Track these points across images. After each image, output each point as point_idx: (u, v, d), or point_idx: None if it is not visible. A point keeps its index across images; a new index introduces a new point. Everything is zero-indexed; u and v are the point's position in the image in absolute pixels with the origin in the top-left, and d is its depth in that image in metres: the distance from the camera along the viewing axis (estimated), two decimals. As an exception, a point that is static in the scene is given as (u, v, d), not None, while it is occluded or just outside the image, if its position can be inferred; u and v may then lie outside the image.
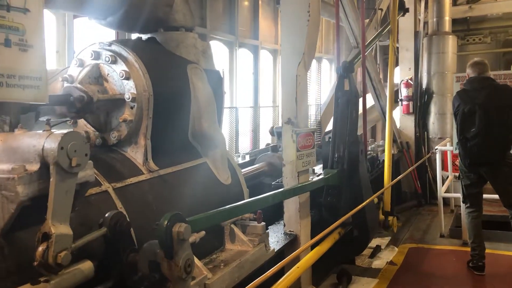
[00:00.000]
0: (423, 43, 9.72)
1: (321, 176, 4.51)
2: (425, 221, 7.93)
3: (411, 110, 9.37)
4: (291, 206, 4.06)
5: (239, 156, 6.70)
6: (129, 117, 2.81)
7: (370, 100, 8.32)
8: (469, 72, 5.29)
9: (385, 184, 5.98)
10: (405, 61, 9.53)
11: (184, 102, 3.19)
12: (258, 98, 8.22)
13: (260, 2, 8.19)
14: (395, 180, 5.98)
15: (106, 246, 2.27)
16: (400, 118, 9.63)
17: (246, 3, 8.15)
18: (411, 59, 9.44)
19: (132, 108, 2.81)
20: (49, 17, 4.33)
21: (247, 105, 8.06)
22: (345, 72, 4.62)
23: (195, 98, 3.26)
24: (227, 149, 3.84)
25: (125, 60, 2.82)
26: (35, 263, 1.88)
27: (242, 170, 5.93)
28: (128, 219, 2.32)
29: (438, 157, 6.93)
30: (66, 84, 2.76)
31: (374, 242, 6.60)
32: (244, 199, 3.64)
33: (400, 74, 9.62)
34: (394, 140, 9.14)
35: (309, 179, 4.37)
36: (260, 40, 8.30)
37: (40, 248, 1.87)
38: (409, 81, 9.39)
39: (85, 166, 2.02)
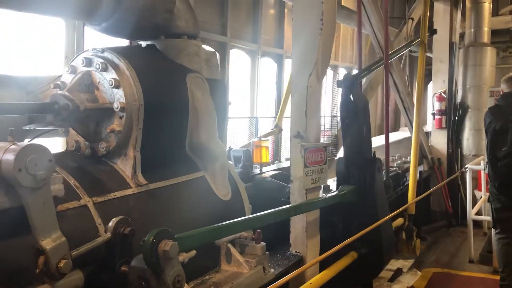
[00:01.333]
0: (459, 55, 9.27)
1: (334, 193, 4.25)
2: (454, 243, 7.47)
3: (443, 125, 8.93)
4: (297, 225, 3.84)
5: (256, 167, 6.52)
6: (117, 128, 2.68)
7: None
8: (504, 88, 4.92)
9: (409, 200, 5.62)
10: (439, 74, 9.11)
11: (181, 112, 3.04)
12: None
13: (286, 10, 8.00)
14: (421, 196, 5.61)
15: (105, 253, 2.26)
16: (432, 133, 9.20)
17: (271, 11, 7.99)
18: (445, 71, 9.02)
19: (121, 118, 2.68)
20: (57, 22, 4.31)
21: (269, 115, 7.87)
22: (347, 87, 4.30)
23: (194, 108, 3.11)
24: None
25: (116, 67, 2.70)
26: (37, 271, 1.92)
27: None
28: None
29: (468, 176, 6.50)
30: (55, 92, 2.66)
31: (395, 264, 6.26)
32: (245, 216, 3.45)
33: (433, 87, 9.20)
34: (424, 156, 8.74)
35: (321, 197, 4.12)
36: (285, 49, 8.11)
37: (41, 258, 1.91)
38: (443, 94, 8.96)
39: (49, 177, 1.91)
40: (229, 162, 3.65)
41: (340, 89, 4.37)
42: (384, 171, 4.91)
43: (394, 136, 10.41)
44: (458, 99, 9.26)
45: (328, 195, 3.95)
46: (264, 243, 3.24)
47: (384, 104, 4.80)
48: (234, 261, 3.13)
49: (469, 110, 9.12)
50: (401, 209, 4.95)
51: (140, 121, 2.72)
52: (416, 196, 5.38)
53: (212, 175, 3.27)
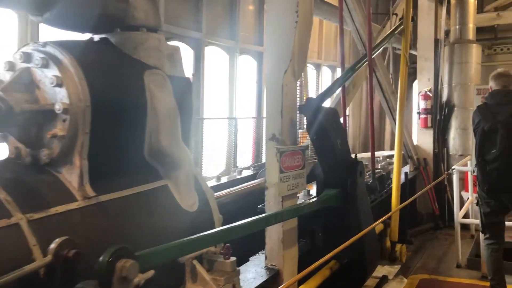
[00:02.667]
0: (444, 52, 9.09)
1: (315, 199, 3.97)
2: (441, 247, 7.27)
3: (429, 124, 8.75)
4: (273, 235, 3.55)
5: (235, 171, 6.23)
6: (60, 132, 2.35)
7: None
8: (492, 85, 4.69)
9: (393, 207, 5.38)
10: (424, 71, 8.93)
11: (137, 114, 2.72)
12: (262, 108, 7.71)
13: (265, 6, 7.71)
14: (404, 204, 5.36)
15: (43, 281, 1.96)
16: (418, 132, 9.01)
17: (250, 7, 7.68)
18: (431, 69, 8.83)
19: (64, 121, 2.35)
20: (10, 15, 3.96)
21: (249, 116, 7.57)
22: (310, 114, 4.01)
23: (153, 109, 2.79)
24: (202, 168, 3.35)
25: (58, 63, 2.37)
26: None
27: (241, 186, 5.46)
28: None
29: (455, 178, 6.29)
30: (-13, 91, 2.32)
31: (381, 271, 6.01)
32: (214, 228, 3.15)
33: (418, 85, 9.02)
34: (410, 157, 8.53)
35: (301, 203, 3.84)
36: (265, 46, 7.81)
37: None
38: (428, 92, 8.78)
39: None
40: (196, 168, 3.32)
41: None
42: (370, 173, 4.65)
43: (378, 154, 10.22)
44: (444, 97, 9.09)
45: (307, 201, 3.67)
46: (235, 258, 2.94)
47: (369, 105, 4.53)
48: (200, 279, 2.82)
49: (455, 108, 8.96)
50: (384, 217, 4.69)
51: (86, 124, 2.40)
52: (401, 202, 5.13)
53: (176, 183, 2.95)
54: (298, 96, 5.22)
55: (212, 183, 5.54)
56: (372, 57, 5.62)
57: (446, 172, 6.80)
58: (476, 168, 4.51)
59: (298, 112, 3.90)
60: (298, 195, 4.55)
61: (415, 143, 8.94)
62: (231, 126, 6.79)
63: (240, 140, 7.10)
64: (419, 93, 8.86)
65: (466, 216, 6.87)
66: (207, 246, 2.77)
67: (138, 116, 2.73)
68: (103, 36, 2.91)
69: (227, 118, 6.78)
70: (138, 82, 2.74)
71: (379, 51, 5.60)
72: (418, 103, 8.87)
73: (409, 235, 7.67)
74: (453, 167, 6.35)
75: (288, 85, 3.54)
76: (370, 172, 6.42)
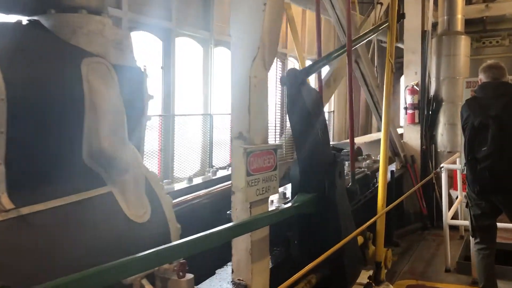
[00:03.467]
0: (432, 44, 8.81)
1: (288, 205, 3.61)
2: (429, 249, 6.98)
3: (416, 120, 8.47)
4: (240, 246, 3.18)
5: (209, 171, 5.85)
6: (-32, 132, 1.95)
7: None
8: (482, 77, 4.38)
9: (378, 210, 5.05)
10: (411, 65, 8.63)
11: (71, 110, 2.34)
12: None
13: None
14: (390, 206, 5.04)
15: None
16: (405, 128, 8.72)
17: (227, -5, 7.29)
18: (418, 62, 8.54)
19: (-27, 118, 1.95)
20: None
21: (226, 112, 7.17)
22: (293, 85, 3.67)
23: (92, 104, 2.40)
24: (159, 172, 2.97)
25: (-34, 49, 1.97)
26: None
27: (213, 188, 5.07)
28: None
29: (444, 177, 5.99)
30: None
31: (365, 275, 5.69)
32: (170, 241, 2.79)
33: (405, 79, 8.72)
34: (396, 154, 8.24)
35: (272, 210, 3.48)
36: (231, 32, 7.42)
37: None
38: (415, 87, 8.48)
39: None
40: (152, 171, 2.94)
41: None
42: (349, 175, 4.30)
43: (365, 138, 9.90)
44: (432, 91, 8.81)
45: (282, 206, 3.31)
46: (191, 276, 2.57)
47: (348, 98, 4.18)
48: (150, 302, 2.45)
49: (443, 103, 8.70)
50: (368, 223, 4.36)
51: (1, 122, 2.01)
52: (387, 202, 4.80)
53: (122, 190, 2.57)
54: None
55: (182, 185, 5.14)
56: (354, 48, 5.29)
57: (434, 171, 6.50)
58: (465, 167, 4.21)
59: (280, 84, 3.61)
60: (273, 199, 4.21)
61: (402, 139, 8.66)
62: (206, 123, 6.39)
63: (216, 138, 6.72)
64: (405, 88, 8.57)
65: (455, 216, 6.58)
66: (155, 266, 2.40)
67: (73, 112, 2.34)
68: (33, 18, 2.52)
69: (202, 114, 6.36)
70: (72, 72, 2.35)
71: (362, 42, 5.26)
72: (405, 98, 8.58)
73: (395, 236, 7.41)
74: (441, 165, 6.05)
75: (257, 76, 3.17)
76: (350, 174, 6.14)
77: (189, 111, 6.36)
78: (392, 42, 5.05)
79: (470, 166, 4.06)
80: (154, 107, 5.85)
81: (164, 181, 5.21)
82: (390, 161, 10.24)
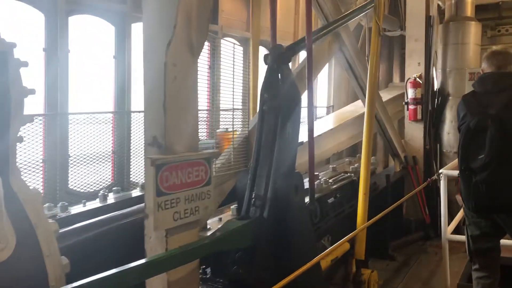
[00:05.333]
0: (438, 32, 8.02)
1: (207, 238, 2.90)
2: (429, 265, 6.25)
3: (419, 117, 7.70)
4: (155, 285, 2.51)
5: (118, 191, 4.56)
6: None
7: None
8: (484, 67, 3.65)
9: (358, 224, 4.37)
10: (414, 55, 7.84)
11: None
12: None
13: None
14: (374, 219, 4.34)
15: None
16: (406, 126, 7.95)
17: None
18: (421, 52, 7.76)
19: None
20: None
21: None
22: (276, 61, 3.05)
23: None
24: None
25: None
26: None
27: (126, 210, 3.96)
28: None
29: (442, 184, 5.24)
30: None
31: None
32: (45, 283, 2.16)
33: (407, 71, 7.94)
34: (395, 154, 7.50)
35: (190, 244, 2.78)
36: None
37: None
38: (418, 79, 7.69)
39: None
40: (32, 189, 2.30)
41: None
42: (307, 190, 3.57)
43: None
44: (437, 85, 8.02)
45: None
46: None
47: (307, 91, 3.46)
48: None
49: (449, 98, 7.90)
50: (343, 240, 3.68)
51: None
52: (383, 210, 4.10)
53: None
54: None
55: (94, 204, 4.01)
56: (336, 31, 4.60)
57: (429, 179, 5.74)
58: (459, 179, 3.47)
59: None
60: (220, 217, 3.53)
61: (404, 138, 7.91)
62: (119, 121, 5.30)
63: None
64: (407, 80, 7.80)
65: (458, 228, 5.83)
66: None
67: None
68: None
69: (112, 112, 5.29)
70: None
71: (345, 24, 4.55)
72: (406, 92, 7.82)
73: (391, 248, 6.69)
74: (440, 171, 5.31)
75: (177, 65, 2.49)
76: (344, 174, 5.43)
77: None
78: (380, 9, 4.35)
79: (464, 177, 3.32)
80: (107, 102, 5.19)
81: (113, 188, 4.54)
82: (388, 162, 9.47)
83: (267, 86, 3.11)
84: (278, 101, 3.05)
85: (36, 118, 4.24)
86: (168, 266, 2.37)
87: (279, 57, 3.07)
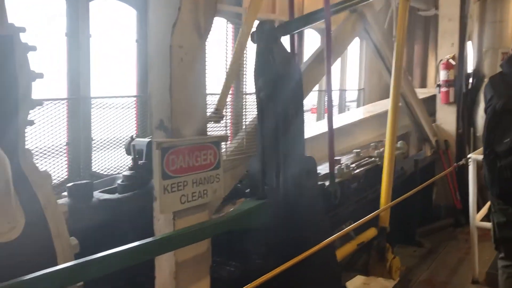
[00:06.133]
0: (474, 10, 7.65)
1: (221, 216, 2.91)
2: (457, 252, 6.08)
3: (451, 99, 7.42)
4: (163, 267, 2.55)
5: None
6: None
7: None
8: (515, 46, 3.44)
9: (381, 204, 4.26)
10: (446, 35, 7.53)
11: None
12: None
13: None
14: (400, 198, 4.23)
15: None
16: (438, 109, 7.68)
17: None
18: (455, 32, 7.43)
19: None
20: None
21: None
22: (262, 40, 2.95)
23: None
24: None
25: None
26: None
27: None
28: None
29: (471, 169, 5.05)
30: None
31: (373, 286, 4.95)
32: (54, 263, 2.22)
33: (439, 52, 7.64)
34: (425, 139, 7.28)
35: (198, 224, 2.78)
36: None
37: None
38: (451, 60, 7.39)
39: None
40: (41, 171, 2.35)
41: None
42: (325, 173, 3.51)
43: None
44: (471, 66, 7.68)
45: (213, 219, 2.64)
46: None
47: (326, 74, 3.37)
48: None
49: (485, 79, 7.55)
50: (366, 218, 3.61)
51: None
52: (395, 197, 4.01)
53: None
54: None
55: None
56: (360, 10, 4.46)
57: (455, 164, 5.52)
58: (483, 164, 3.33)
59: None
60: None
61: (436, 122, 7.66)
62: (142, 105, 5.27)
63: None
64: (439, 62, 7.50)
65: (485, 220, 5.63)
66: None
67: None
68: None
69: (135, 96, 5.29)
70: None
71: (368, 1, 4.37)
72: (438, 74, 7.54)
73: (418, 235, 6.53)
74: (468, 156, 5.11)
75: (183, 46, 2.47)
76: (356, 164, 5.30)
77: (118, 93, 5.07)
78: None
79: (489, 162, 3.18)
80: (130, 88, 5.23)
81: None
82: (418, 147, 9.20)
83: (259, 71, 3.00)
84: (274, 86, 2.94)
85: (59, 102, 4.33)
86: (175, 244, 2.40)
87: (268, 36, 2.93)
